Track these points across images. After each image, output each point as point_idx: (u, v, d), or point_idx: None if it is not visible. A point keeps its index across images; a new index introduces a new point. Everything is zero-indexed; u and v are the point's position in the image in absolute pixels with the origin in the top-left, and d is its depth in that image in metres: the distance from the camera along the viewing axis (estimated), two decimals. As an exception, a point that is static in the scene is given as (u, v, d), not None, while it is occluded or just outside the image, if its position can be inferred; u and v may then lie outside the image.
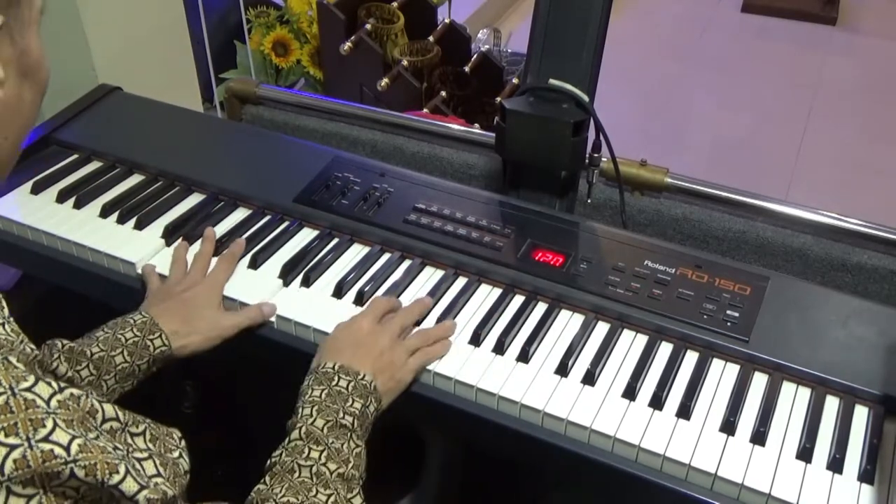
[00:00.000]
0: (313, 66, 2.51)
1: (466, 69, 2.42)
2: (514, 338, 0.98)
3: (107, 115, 1.36)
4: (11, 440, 0.48)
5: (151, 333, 0.93)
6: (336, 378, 0.86)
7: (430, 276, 1.07)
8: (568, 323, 1.01)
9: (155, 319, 0.94)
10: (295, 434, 0.81)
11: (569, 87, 1.14)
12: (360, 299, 1.03)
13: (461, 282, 1.06)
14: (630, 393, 0.91)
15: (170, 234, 1.13)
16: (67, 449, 0.49)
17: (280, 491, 0.75)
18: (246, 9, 2.45)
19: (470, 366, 0.94)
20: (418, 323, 1.00)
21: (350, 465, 0.80)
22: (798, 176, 2.73)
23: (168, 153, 1.26)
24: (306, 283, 1.05)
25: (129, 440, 0.57)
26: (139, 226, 1.14)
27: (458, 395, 0.93)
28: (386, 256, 1.10)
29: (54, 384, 0.51)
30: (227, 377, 1.40)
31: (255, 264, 1.08)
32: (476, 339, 0.97)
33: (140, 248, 1.10)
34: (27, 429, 0.48)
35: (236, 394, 1.44)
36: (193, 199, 1.20)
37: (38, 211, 1.16)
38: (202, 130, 1.37)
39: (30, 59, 0.59)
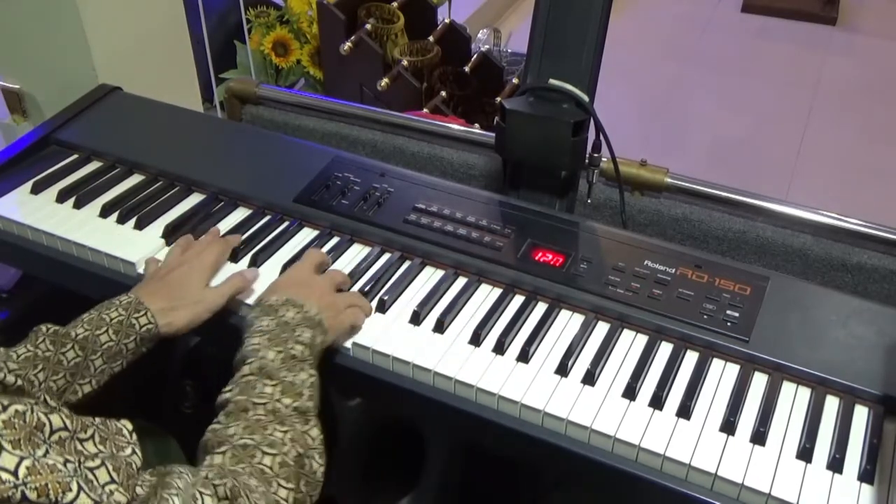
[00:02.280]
0: (313, 66, 2.50)
1: (466, 69, 2.42)
2: (514, 338, 0.98)
3: (107, 115, 1.36)
4: None
5: (137, 312, 0.92)
6: (282, 310, 0.88)
7: (430, 276, 1.07)
8: (568, 323, 1.01)
9: (140, 299, 0.94)
10: (246, 369, 0.81)
11: (569, 87, 1.15)
12: (360, 299, 1.03)
13: (461, 282, 1.06)
14: (630, 393, 0.91)
15: (170, 234, 1.13)
16: (15, 472, 0.48)
17: (236, 430, 0.75)
18: (246, 9, 2.45)
19: (470, 365, 0.94)
20: None
21: (304, 396, 0.80)
22: (798, 176, 2.73)
23: (168, 153, 1.26)
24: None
25: (80, 447, 0.56)
26: (139, 226, 1.14)
27: (458, 395, 0.93)
28: (386, 256, 1.10)
29: None
30: (228, 377, 1.40)
31: (255, 264, 1.08)
32: (476, 339, 0.97)
33: (140, 248, 1.10)
34: None
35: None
36: (193, 199, 1.20)
37: (38, 211, 1.16)
38: (202, 130, 1.37)
39: None
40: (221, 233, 1.12)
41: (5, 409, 0.51)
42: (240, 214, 1.18)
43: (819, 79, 3.28)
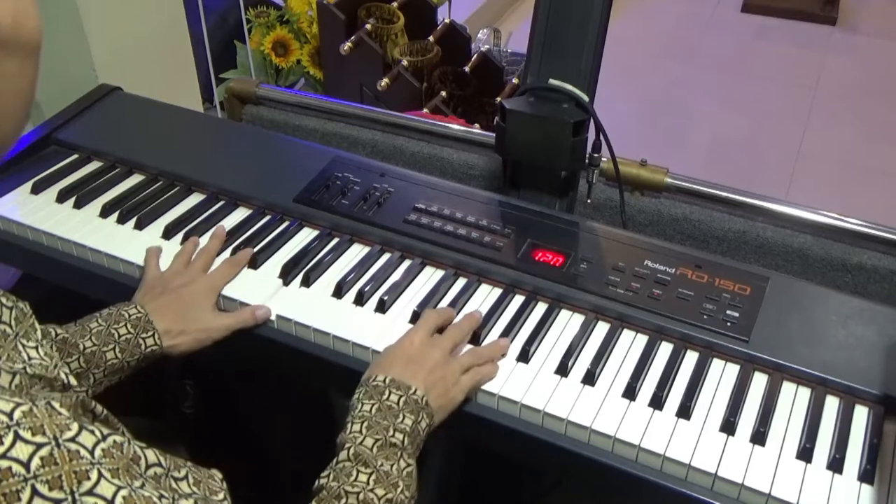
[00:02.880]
0: (313, 66, 2.50)
1: (466, 69, 2.42)
2: (514, 338, 0.98)
3: (107, 115, 1.36)
4: (55, 494, 0.46)
5: (145, 332, 0.93)
6: (387, 392, 0.84)
7: (430, 276, 1.07)
8: (568, 323, 1.01)
9: (149, 316, 0.94)
10: (343, 455, 0.79)
11: (569, 87, 1.14)
12: (360, 299, 1.02)
13: (461, 282, 1.06)
14: (630, 393, 0.91)
15: (170, 234, 1.13)
16: (112, 501, 0.48)
17: None
18: (246, 9, 2.45)
19: (470, 366, 0.94)
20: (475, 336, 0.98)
21: (399, 488, 0.77)
22: (798, 176, 2.73)
23: (168, 153, 1.26)
24: (306, 282, 1.05)
25: (174, 485, 0.55)
26: (139, 226, 1.14)
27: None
28: (386, 256, 1.10)
29: (97, 432, 0.50)
30: (228, 377, 1.40)
31: (254, 264, 1.08)
32: (476, 340, 0.97)
33: (140, 248, 1.10)
34: (71, 482, 0.47)
35: (237, 393, 1.44)
36: (193, 199, 1.20)
37: (38, 211, 1.16)
38: (202, 130, 1.37)
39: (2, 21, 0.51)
40: (226, 230, 1.12)
41: (104, 438, 0.50)
42: (240, 214, 1.18)
43: (819, 79, 3.28)
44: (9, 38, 0.51)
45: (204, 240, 1.11)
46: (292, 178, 1.20)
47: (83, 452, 0.48)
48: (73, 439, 0.48)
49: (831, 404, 0.92)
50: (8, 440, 0.45)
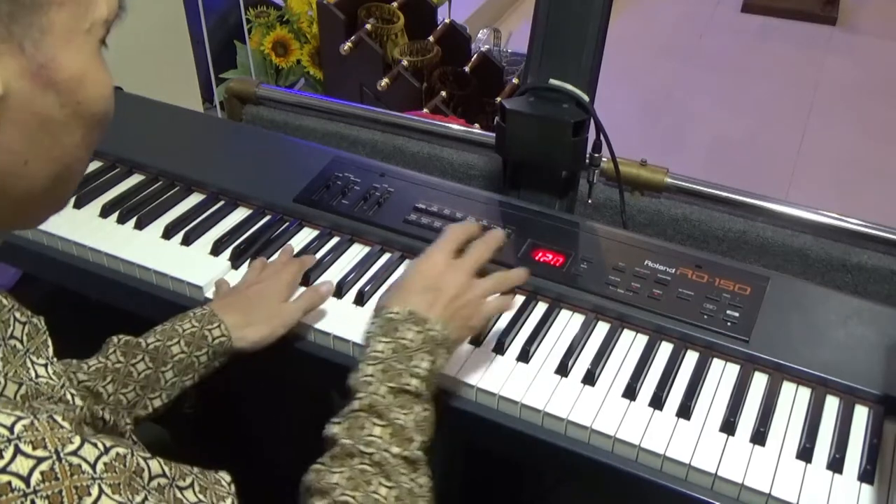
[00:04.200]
0: (313, 66, 2.50)
1: (466, 69, 2.42)
2: (514, 338, 0.98)
3: (107, 115, 1.36)
4: None
5: (210, 324, 0.91)
6: (402, 328, 0.80)
7: (430, 276, 1.07)
8: (568, 323, 1.01)
9: (215, 311, 0.93)
10: (356, 403, 0.77)
11: (569, 87, 1.14)
12: (360, 299, 1.02)
13: (461, 282, 1.06)
14: (630, 393, 0.91)
15: (170, 234, 1.13)
16: None
17: (339, 480, 0.71)
18: (246, 9, 2.45)
19: (470, 366, 0.94)
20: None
21: (414, 443, 0.75)
22: (798, 176, 2.73)
23: (168, 153, 1.26)
24: (306, 282, 1.05)
25: (179, 495, 0.54)
26: (139, 226, 1.14)
27: (459, 395, 0.93)
28: (386, 256, 1.10)
29: (100, 445, 0.49)
30: (228, 377, 1.40)
31: (255, 264, 1.08)
32: (476, 340, 0.97)
33: (140, 247, 1.10)
34: (72, 497, 0.46)
35: (237, 394, 1.44)
36: (193, 199, 1.20)
37: (38, 211, 1.16)
38: (202, 130, 1.37)
39: (57, 74, 0.51)
40: (221, 233, 1.12)
41: (107, 451, 0.49)
42: (240, 214, 1.18)
43: (819, 79, 3.28)
44: (67, 89, 0.52)
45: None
46: (292, 178, 1.20)
47: (85, 466, 0.47)
48: (74, 453, 0.47)
49: (831, 404, 0.92)
50: (8, 454, 0.45)
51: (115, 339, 0.88)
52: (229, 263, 1.09)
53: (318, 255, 1.10)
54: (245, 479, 0.85)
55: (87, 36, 0.53)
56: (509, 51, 3.06)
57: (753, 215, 1.26)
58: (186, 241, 1.12)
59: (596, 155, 1.20)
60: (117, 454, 0.49)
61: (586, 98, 1.15)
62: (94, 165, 1.26)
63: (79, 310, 0.97)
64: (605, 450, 0.88)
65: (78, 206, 1.18)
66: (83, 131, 0.54)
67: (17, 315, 0.56)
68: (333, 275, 1.06)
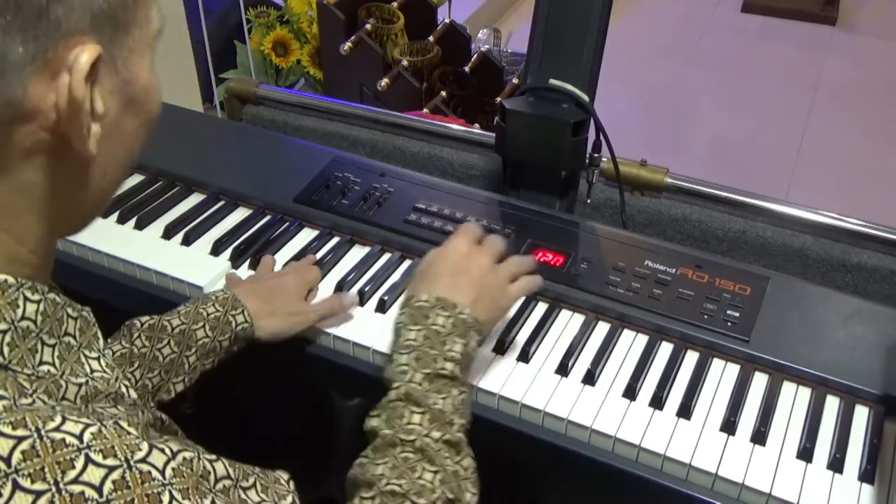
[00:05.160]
0: (313, 66, 2.50)
1: (466, 69, 2.42)
2: (514, 338, 0.98)
3: (107, 115, 1.36)
4: None
5: (234, 309, 0.91)
6: (432, 314, 0.81)
7: (430, 276, 1.07)
8: (568, 323, 1.01)
9: (237, 296, 0.93)
10: (393, 394, 0.77)
11: (569, 87, 1.14)
12: (360, 299, 1.02)
13: (461, 282, 1.06)
14: (630, 393, 0.91)
15: (170, 234, 1.13)
16: None
17: (383, 471, 0.71)
18: (246, 9, 2.45)
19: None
20: None
21: (454, 426, 0.75)
22: (798, 176, 2.73)
23: (168, 153, 1.26)
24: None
25: (243, 495, 0.54)
26: (139, 226, 1.14)
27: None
28: (386, 256, 1.10)
29: (167, 450, 0.49)
30: (228, 378, 1.40)
31: (255, 265, 1.08)
32: (476, 339, 0.97)
33: (140, 248, 1.10)
34: None
35: (237, 394, 1.44)
36: (193, 199, 1.20)
37: (39, 211, 1.16)
38: (202, 130, 1.37)
39: (135, 87, 0.54)
40: (222, 233, 1.12)
41: (174, 455, 0.49)
42: (240, 214, 1.18)
43: (819, 79, 3.28)
44: (140, 101, 0.55)
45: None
46: (292, 178, 1.20)
47: (154, 473, 0.47)
48: (144, 459, 0.47)
49: (831, 404, 0.92)
50: (79, 464, 0.44)
51: (137, 322, 0.88)
52: (229, 263, 1.09)
53: (318, 255, 1.10)
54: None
55: (150, 49, 0.56)
56: (509, 51, 3.06)
57: (753, 215, 1.26)
58: (187, 242, 1.12)
59: (596, 155, 1.20)
60: (184, 458, 0.49)
61: (586, 98, 1.15)
62: (94, 165, 1.26)
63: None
64: (606, 450, 0.88)
65: (78, 206, 1.17)
66: (144, 138, 0.58)
67: (69, 311, 0.55)
68: (334, 275, 1.06)
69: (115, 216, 1.15)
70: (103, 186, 0.56)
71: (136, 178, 1.24)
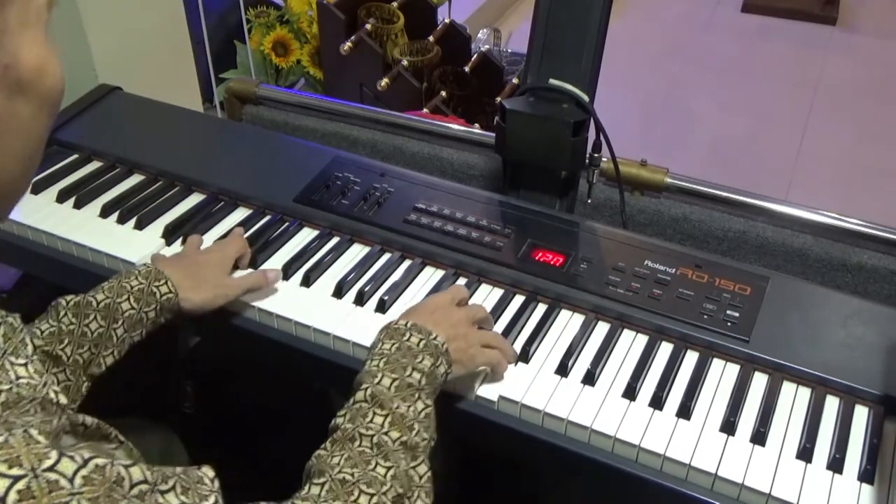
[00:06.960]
0: (313, 66, 2.50)
1: (466, 69, 2.42)
2: (514, 338, 0.98)
3: (107, 115, 1.36)
4: None
5: (157, 280, 0.93)
6: (408, 334, 0.84)
7: (430, 276, 1.07)
8: (568, 323, 1.01)
9: (160, 269, 0.94)
10: (360, 395, 0.79)
11: (569, 87, 1.14)
12: (360, 299, 1.03)
13: (461, 282, 1.06)
14: (630, 393, 0.91)
15: (170, 234, 1.13)
16: None
17: (338, 461, 0.72)
18: (246, 9, 2.45)
19: (470, 366, 0.94)
20: None
21: (414, 431, 0.76)
22: (798, 176, 2.73)
23: (168, 153, 1.26)
24: (306, 282, 1.05)
25: (160, 499, 0.53)
26: (139, 226, 1.14)
27: (459, 395, 0.93)
28: (386, 256, 1.10)
29: (77, 457, 0.47)
30: (228, 377, 1.40)
31: (255, 264, 1.08)
32: (476, 339, 0.97)
33: (140, 247, 1.10)
34: None
35: (237, 394, 1.44)
36: (193, 199, 1.20)
37: (38, 211, 1.16)
38: (202, 130, 1.37)
39: (19, 70, 0.50)
40: (222, 233, 1.12)
41: (85, 463, 0.47)
42: (240, 214, 1.18)
43: (819, 79, 3.28)
44: (29, 84, 0.51)
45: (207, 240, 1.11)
46: (292, 178, 1.20)
47: (63, 482, 0.46)
48: (51, 468, 0.46)
49: (831, 404, 0.92)
50: None
51: (63, 301, 0.89)
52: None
53: (318, 255, 1.10)
54: (244, 478, 0.85)
55: (37, 25, 0.52)
56: (509, 51, 3.06)
57: (753, 215, 1.26)
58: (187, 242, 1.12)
59: (596, 155, 1.20)
60: (96, 465, 0.48)
61: (586, 98, 1.15)
62: (94, 165, 1.27)
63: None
64: (605, 450, 0.88)
65: (78, 206, 1.18)
66: (47, 120, 0.54)
67: None
68: (333, 275, 1.06)
69: (115, 216, 1.15)
70: (4, 180, 0.52)
71: (136, 178, 1.24)
